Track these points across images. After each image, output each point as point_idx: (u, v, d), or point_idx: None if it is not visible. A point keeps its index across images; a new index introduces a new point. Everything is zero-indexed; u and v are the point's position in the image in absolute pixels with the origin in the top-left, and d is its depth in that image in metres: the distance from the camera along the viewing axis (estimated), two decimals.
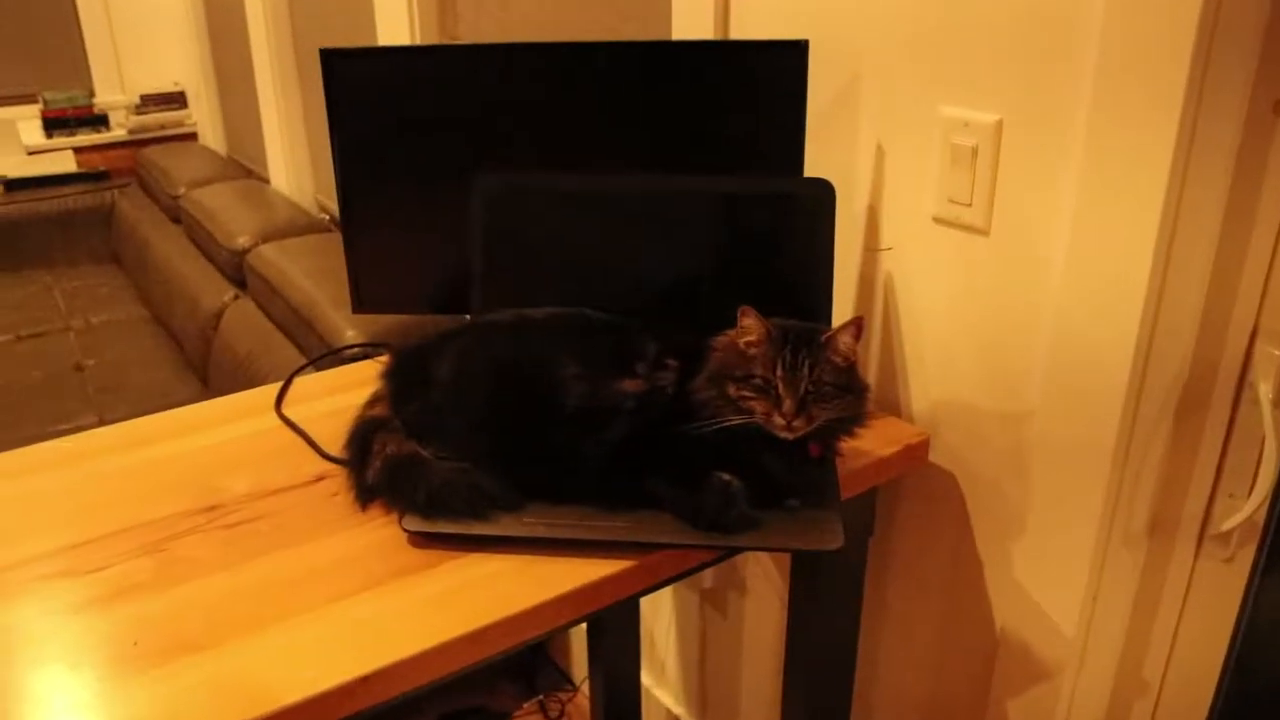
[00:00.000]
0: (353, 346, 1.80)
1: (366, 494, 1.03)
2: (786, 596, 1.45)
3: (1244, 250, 0.96)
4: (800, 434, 0.96)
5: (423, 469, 1.00)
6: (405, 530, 0.97)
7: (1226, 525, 1.03)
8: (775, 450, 0.97)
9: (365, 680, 0.81)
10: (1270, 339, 0.97)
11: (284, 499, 1.05)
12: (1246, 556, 1.04)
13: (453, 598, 0.90)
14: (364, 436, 1.06)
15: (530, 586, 0.91)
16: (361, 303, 1.33)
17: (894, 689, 1.40)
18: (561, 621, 0.93)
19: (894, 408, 1.25)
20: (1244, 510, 1.01)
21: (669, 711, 1.90)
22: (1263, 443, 0.98)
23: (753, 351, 0.98)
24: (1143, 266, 0.94)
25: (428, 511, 0.98)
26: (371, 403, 1.10)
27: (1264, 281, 0.96)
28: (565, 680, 2.16)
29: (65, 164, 3.80)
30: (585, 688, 2.06)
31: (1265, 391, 0.97)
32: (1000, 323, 1.10)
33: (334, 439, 1.11)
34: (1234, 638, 1.07)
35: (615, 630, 1.71)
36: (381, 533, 0.99)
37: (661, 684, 1.92)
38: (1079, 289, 1.00)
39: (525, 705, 2.10)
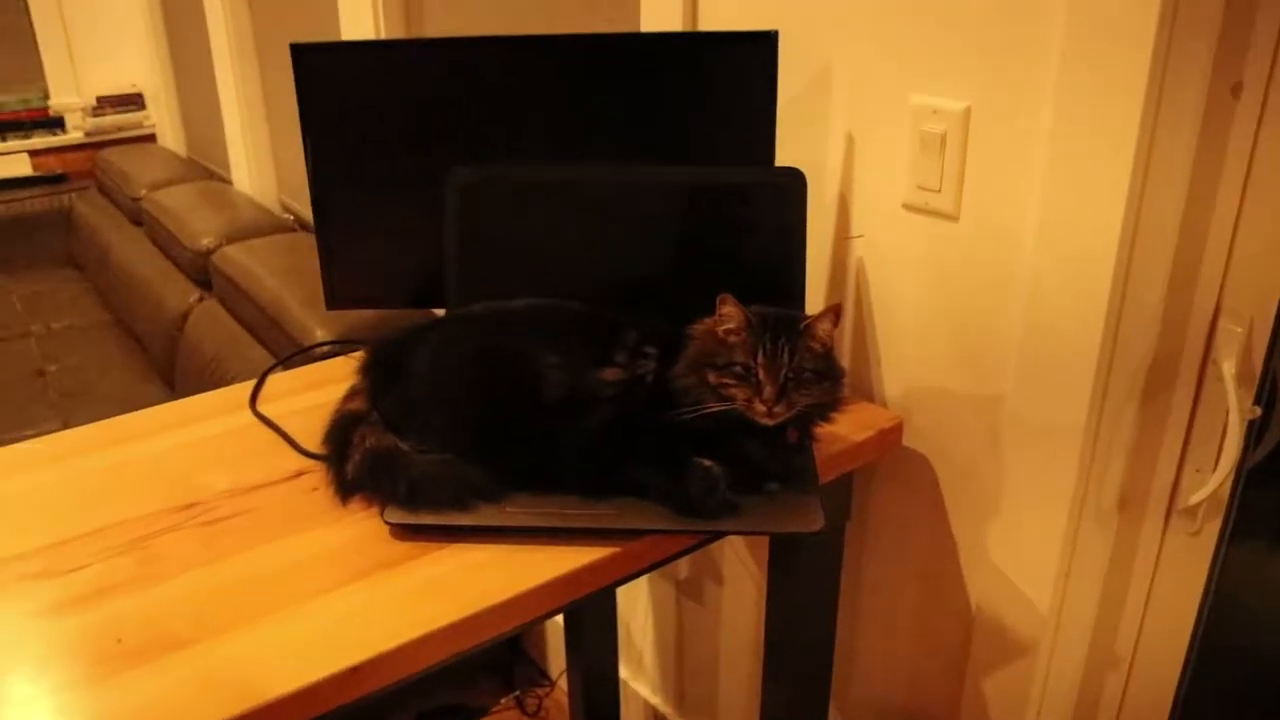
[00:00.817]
0: (325, 344, 1.79)
1: (347, 488, 1.03)
2: (763, 584, 1.47)
3: (1206, 231, 0.98)
4: (780, 420, 0.97)
5: (403, 461, 1.00)
6: (387, 523, 0.97)
7: (1193, 499, 1.06)
8: (755, 436, 0.98)
9: (355, 671, 0.81)
10: (1232, 317, 0.99)
11: (263, 495, 1.05)
12: (1213, 529, 1.07)
13: (438, 588, 0.90)
14: (343, 430, 1.06)
15: (514, 575, 0.91)
16: (335, 299, 1.32)
17: (872, 670, 1.42)
18: (547, 609, 0.93)
19: (867, 393, 1.27)
20: (1210, 484, 1.04)
21: (647, 703, 1.90)
22: (1227, 417, 1.01)
23: (732, 339, 0.99)
24: (1109, 249, 0.96)
25: (409, 503, 0.98)
26: (349, 397, 1.10)
27: (1225, 260, 0.98)
28: (542, 676, 2.16)
29: (20, 167, 3.73)
30: (562, 682, 2.07)
31: (1228, 368, 1.00)
32: (971, 307, 1.12)
33: (310, 435, 1.11)
34: (1201, 609, 1.10)
35: (592, 623, 1.71)
36: (363, 526, 0.99)
37: (639, 676, 1.93)
38: (1048, 272, 1.02)
39: (502, 701, 2.10)
